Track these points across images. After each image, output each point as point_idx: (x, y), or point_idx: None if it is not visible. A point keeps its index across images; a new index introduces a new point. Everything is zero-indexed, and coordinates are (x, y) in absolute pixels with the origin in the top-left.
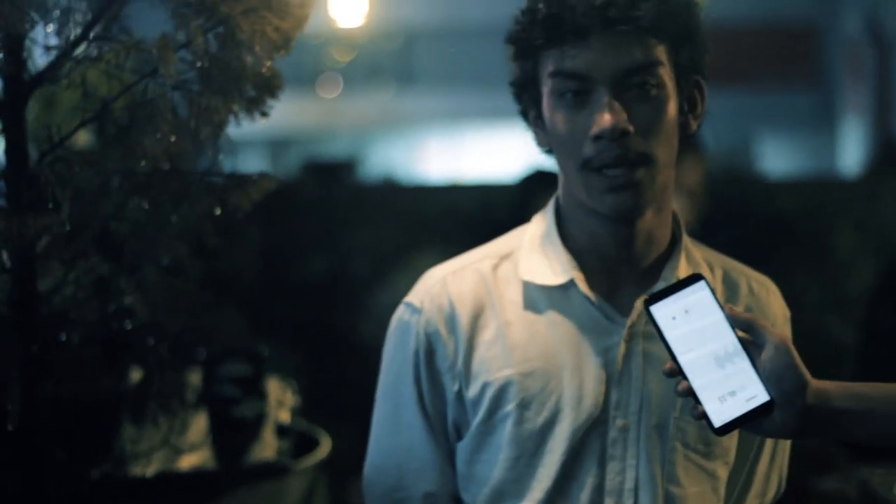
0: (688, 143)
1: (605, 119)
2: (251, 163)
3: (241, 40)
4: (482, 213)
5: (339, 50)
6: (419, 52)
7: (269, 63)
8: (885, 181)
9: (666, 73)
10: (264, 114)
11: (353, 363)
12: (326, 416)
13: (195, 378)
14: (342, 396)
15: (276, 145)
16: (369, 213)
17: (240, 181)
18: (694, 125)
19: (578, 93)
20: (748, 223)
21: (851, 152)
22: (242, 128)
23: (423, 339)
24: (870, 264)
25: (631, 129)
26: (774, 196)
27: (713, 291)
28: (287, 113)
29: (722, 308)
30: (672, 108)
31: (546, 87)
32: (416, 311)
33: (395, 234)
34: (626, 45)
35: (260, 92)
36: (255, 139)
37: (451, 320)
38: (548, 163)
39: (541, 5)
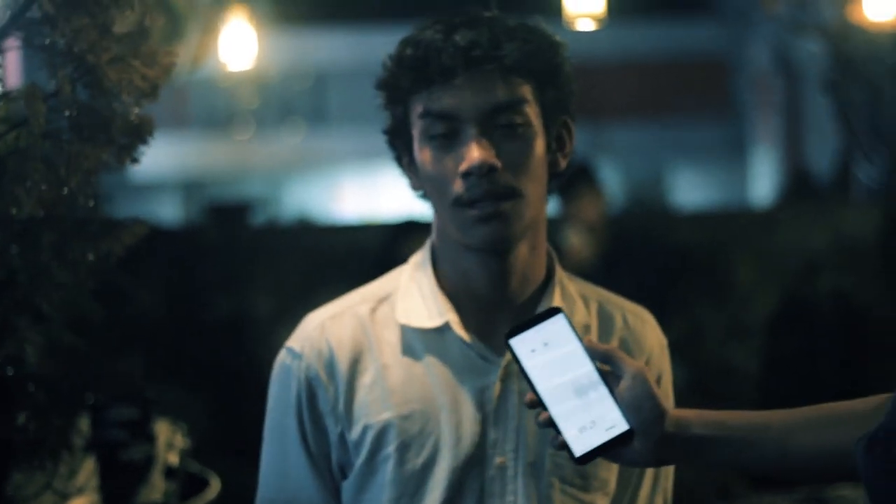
0: (586, 179)
1: (473, 156)
2: (165, 206)
3: (108, 88)
4: (390, 252)
5: (250, 92)
6: (331, 92)
7: (136, 110)
8: (789, 212)
9: (532, 112)
10: (135, 160)
11: (255, 404)
12: (227, 456)
13: (84, 423)
14: (244, 437)
15: (190, 188)
16: (276, 254)
17: (112, 227)
18: (563, 164)
19: (447, 133)
20: (653, 256)
21: (762, 183)
22: (156, 171)
23: (304, 383)
24: (770, 294)
25: (499, 164)
26: (678, 228)
27: (571, 324)
28: (200, 155)
29: (580, 339)
30: (539, 145)
31: (416, 130)
32: (296, 356)
33: (300, 274)
34: (492, 84)
35: (131, 139)
36: (167, 182)
37: (331, 365)
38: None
39: (408, 50)
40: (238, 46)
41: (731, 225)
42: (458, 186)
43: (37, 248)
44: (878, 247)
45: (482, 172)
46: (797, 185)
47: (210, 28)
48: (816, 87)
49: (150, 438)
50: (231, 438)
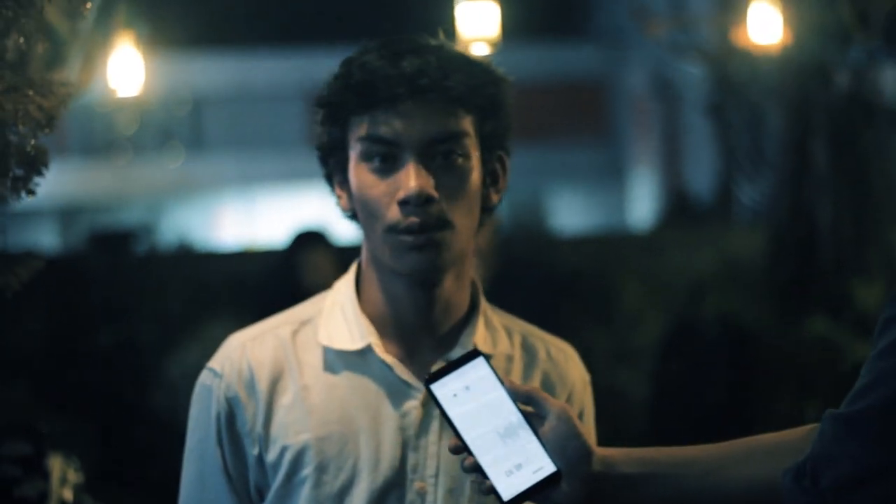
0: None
1: (412, 185)
2: (41, 233)
3: (3, 119)
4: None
5: (128, 117)
6: (209, 117)
7: (33, 142)
8: (673, 234)
9: (472, 144)
10: (31, 192)
11: (144, 433)
12: (118, 487)
13: None
14: (135, 467)
15: (67, 214)
16: (158, 282)
17: (6, 261)
18: (495, 199)
19: (386, 158)
20: (537, 279)
21: (641, 205)
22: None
23: (223, 403)
24: (657, 317)
25: (436, 195)
26: (562, 252)
27: (492, 367)
28: (77, 182)
29: (502, 382)
30: (476, 178)
31: (354, 152)
32: (216, 375)
33: (185, 301)
34: (435, 114)
35: (27, 170)
36: (44, 209)
37: (251, 385)
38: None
39: (353, 71)
40: (125, 72)
41: (614, 248)
42: (393, 213)
43: None
44: (763, 269)
45: (419, 202)
46: (676, 207)
47: (93, 54)
48: (695, 109)
49: (45, 474)
50: (121, 469)
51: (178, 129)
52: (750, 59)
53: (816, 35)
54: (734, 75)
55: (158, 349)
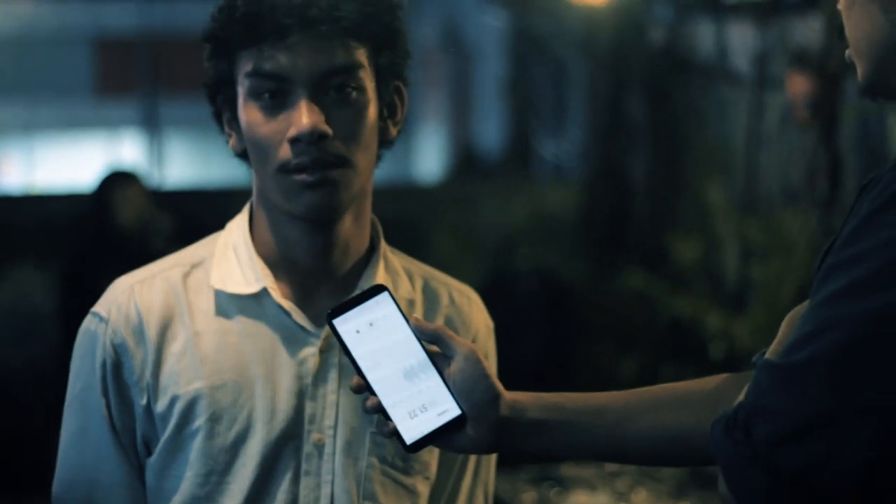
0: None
1: (303, 122)
2: None
3: None
4: (67, 223)
5: None
6: None
7: None
8: (469, 188)
9: (367, 77)
10: None
11: None
12: None
13: None
14: None
15: None
16: None
17: None
18: (394, 132)
19: (276, 94)
20: None
21: (428, 158)
22: None
23: (109, 350)
24: (467, 271)
25: (330, 132)
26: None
27: (397, 303)
28: None
29: (408, 320)
30: (372, 112)
31: (242, 88)
32: (102, 320)
33: None
34: (327, 46)
35: None
36: None
37: (139, 331)
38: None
39: (239, 2)
40: None
41: (416, 199)
42: (284, 152)
43: None
44: (575, 223)
45: (312, 139)
46: (464, 161)
47: None
48: (487, 63)
49: None
50: None
51: None
52: (556, 12)
53: None
54: (537, 27)
55: None
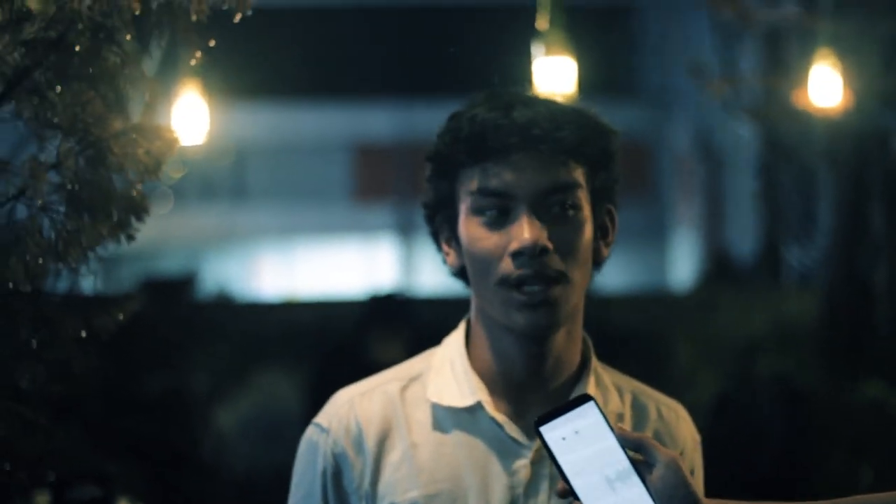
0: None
1: (526, 236)
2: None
3: (111, 163)
4: (320, 330)
5: (171, 166)
6: (252, 167)
7: (139, 186)
8: (718, 295)
9: (584, 197)
10: (131, 237)
11: (191, 481)
12: None
13: (42, 501)
14: None
15: (106, 262)
16: (205, 331)
17: (104, 303)
18: (605, 252)
19: (499, 210)
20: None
21: (683, 265)
22: None
23: (330, 459)
24: (709, 377)
25: (550, 246)
26: (612, 311)
27: (602, 412)
28: None
29: (612, 428)
30: (588, 231)
31: (464, 205)
32: (323, 431)
33: (232, 351)
34: (548, 164)
35: (127, 215)
36: None
37: (359, 441)
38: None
39: (463, 124)
40: (191, 120)
41: (664, 307)
42: (506, 265)
43: (21, 323)
44: (816, 331)
45: (534, 253)
46: (718, 268)
47: (153, 100)
48: (739, 171)
49: None
50: None
51: (221, 179)
52: (801, 121)
53: (874, 99)
54: (784, 136)
55: (207, 398)
